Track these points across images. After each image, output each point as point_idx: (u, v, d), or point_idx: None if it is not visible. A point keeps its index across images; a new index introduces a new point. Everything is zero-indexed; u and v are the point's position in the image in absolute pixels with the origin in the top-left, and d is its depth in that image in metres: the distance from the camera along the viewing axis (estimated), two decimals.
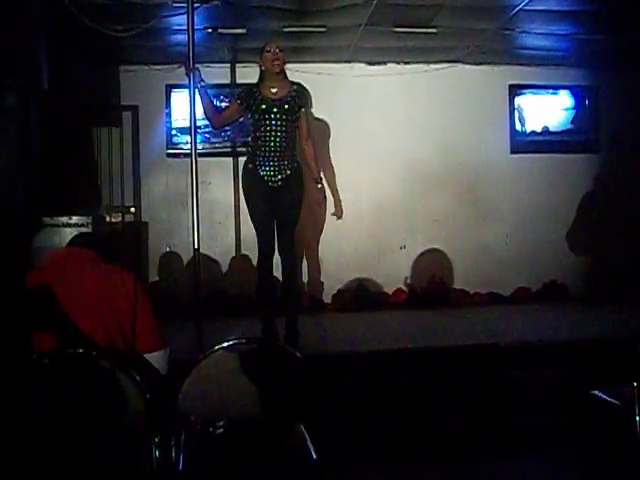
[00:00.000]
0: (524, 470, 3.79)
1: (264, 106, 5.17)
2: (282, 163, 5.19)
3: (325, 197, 5.98)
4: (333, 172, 7.76)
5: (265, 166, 5.17)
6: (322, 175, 5.77)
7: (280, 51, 5.23)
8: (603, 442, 3.63)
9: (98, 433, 2.58)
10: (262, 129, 5.18)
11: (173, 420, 2.72)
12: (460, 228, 8.14)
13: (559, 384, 4.53)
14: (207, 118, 5.47)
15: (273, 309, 5.35)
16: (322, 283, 7.94)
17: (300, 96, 5.29)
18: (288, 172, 5.21)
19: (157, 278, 7.71)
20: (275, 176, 5.19)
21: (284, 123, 5.18)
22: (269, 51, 5.21)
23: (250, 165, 5.26)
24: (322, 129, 7.65)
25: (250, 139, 5.47)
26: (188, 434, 2.75)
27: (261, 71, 5.33)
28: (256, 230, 5.27)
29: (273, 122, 5.16)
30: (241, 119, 5.74)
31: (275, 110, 5.17)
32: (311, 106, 5.53)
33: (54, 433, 2.55)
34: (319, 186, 5.54)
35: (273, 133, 5.16)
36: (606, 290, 7.86)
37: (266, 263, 5.24)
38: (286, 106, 5.19)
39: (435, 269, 8.00)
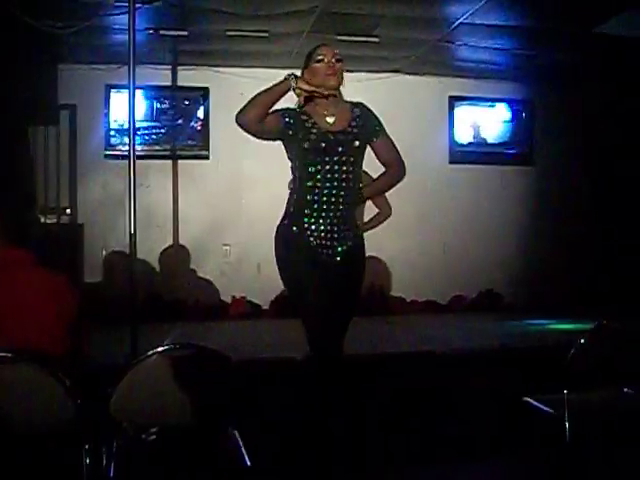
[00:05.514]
0: (455, 477, 3.83)
1: (323, 144, 3.39)
2: (345, 227, 3.46)
3: None
4: None
5: (320, 232, 3.41)
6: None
7: (338, 61, 3.46)
8: (534, 448, 3.69)
9: (25, 440, 2.51)
10: (318, 176, 3.39)
11: (104, 426, 2.66)
12: (398, 236, 8.21)
13: (493, 391, 4.60)
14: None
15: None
16: None
17: (368, 123, 3.55)
18: (349, 243, 3.50)
19: (91, 281, 7.56)
20: (334, 248, 3.44)
21: (350, 168, 3.44)
22: (322, 60, 3.46)
23: (295, 228, 3.43)
24: None
25: (289, 188, 3.65)
26: (120, 441, 2.70)
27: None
28: (306, 322, 3.45)
29: (336, 167, 3.39)
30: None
31: (340, 150, 3.41)
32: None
33: None
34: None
35: (336, 183, 3.39)
36: (540, 299, 8.06)
37: (328, 370, 3.38)
38: (356, 142, 3.46)
39: (373, 277, 8.04)
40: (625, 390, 3.30)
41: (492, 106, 8.74)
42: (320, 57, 3.46)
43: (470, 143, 8.66)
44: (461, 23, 6.53)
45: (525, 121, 8.77)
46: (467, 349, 5.60)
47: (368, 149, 3.58)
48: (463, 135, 8.64)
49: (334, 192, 3.40)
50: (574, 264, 8.41)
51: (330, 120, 3.47)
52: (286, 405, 4.21)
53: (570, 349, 3.03)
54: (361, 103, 3.63)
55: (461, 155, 8.56)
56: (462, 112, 8.63)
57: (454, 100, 8.55)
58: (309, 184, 3.40)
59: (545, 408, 3.19)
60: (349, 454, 3.42)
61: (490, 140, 8.72)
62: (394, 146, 3.64)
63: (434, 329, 6.87)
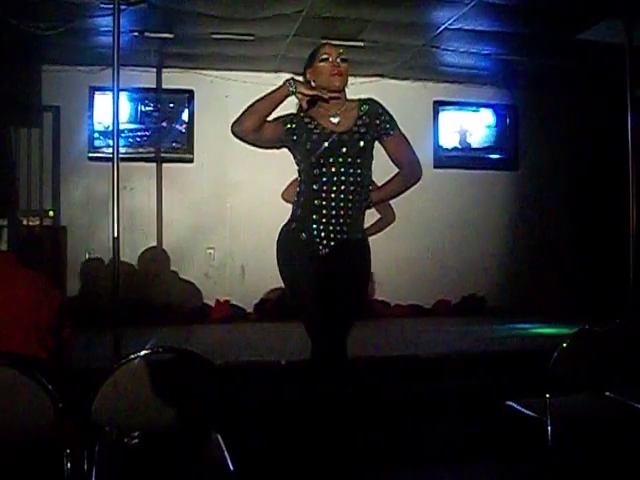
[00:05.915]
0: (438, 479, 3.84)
1: (326, 143, 3.27)
2: (353, 236, 3.35)
3: None
4: None
5: (330, 240, 3.31)
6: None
7: (344, 60, 3.35)
8: (517, 451, 3.71)
9: (5, 444, 2.49)
10: (324, 179, 3.28)
11: (86, 431, 2.64)
12: (382, 240, 8.19)
13: (476, 395, 4.61)
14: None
15: None
16: None
17: (377, 120, 3.41)
18: (357, 249, 3.40)
19: (74, 283, 7.51)
20: (343, 255, 3.33)
21: (358, 170, 3.30)
22: (326, 59, 3.32)
23: (303, 234, 3.34)
24: None
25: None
26: (102, 445, 2.68)
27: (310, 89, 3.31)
28: (310, 327, 3.38)
29: (342, 169, 3.27)
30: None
31: (345, 150, 3.28)
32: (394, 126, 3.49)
33: None
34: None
35: (343, 187, 3.28)
36: (523, 303, 8.10)
37: (331, 371, 3.39)
38: (361, 142, 3.31)
39: None
40: (607, 394, 3.32)
41: (477, 111, 8.78)
42: (325, 56, 3.32)
43: (455, 148, 8.69)
44: (446, 28, 6.56)
45: (509, 126, 8.81)
46: (451, 353, 5.61)
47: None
48: (448, 140, 8.66)
49: (341, 196, 3.27)
50: (557, 268, 8.46)
51: (334, 120, 3.35)
52: (270, 408, 4.21)
53: (553, 353, 3.04)
54: (371, 99, 3.48)
55: (446, 160, 8.58)
56: (447, 117, 8.66)
57: (439, 105, 8.58)
58: (315, 187, 3.29)
59: (527, 412, 3.20)
60: (335, 456, 3.41)
61: (475, 145, 8.75)
62: (408, 145, 3.44)
63: (418, 333, 6.88)
